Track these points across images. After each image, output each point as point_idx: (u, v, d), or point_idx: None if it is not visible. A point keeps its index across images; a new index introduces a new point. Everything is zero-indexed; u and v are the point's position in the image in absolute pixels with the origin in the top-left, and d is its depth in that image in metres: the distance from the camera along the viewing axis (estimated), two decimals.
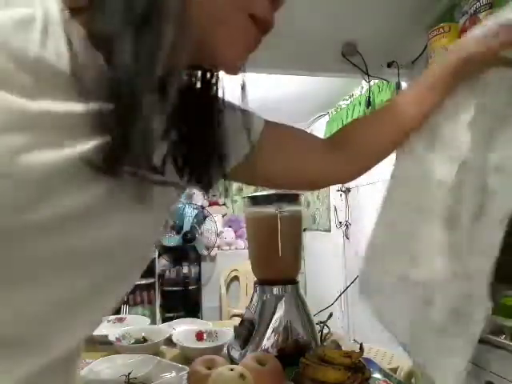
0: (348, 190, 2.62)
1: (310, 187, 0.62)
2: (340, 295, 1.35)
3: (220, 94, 0.43)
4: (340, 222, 2.71)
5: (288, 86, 2.45)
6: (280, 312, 0.78)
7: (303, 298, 0.84)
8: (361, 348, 0.71)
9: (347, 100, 2.48)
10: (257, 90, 2.34)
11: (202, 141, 0.40)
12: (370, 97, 1.93)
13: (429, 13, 1.41)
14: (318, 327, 0.91)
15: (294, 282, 0.83)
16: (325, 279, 2.92)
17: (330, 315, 0.99)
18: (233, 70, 0.38)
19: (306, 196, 3.35)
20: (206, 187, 0.43)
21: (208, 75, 0.42)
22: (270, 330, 0.77)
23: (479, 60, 0.49)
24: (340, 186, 2.64)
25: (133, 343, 0.90)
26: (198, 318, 2.45)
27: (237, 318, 1.45)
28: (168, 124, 0.36)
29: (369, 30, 1.56)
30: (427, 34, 1.45)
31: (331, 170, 0.56)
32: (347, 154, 0.55)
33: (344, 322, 2.55)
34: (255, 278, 0.87)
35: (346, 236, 2.63)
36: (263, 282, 0.83)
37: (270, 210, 0.82)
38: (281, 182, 0.57)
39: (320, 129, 2.92)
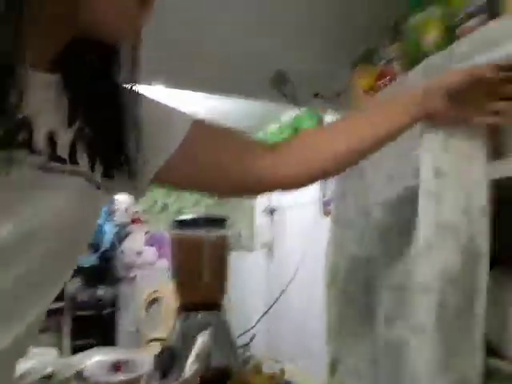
0: (273, 211, 2.69)
1: (246, 190, 0.58)
2: (261, 317, 1.36)
3: (123, 81, 0.43)
4: (264, 243, 2.76)
5: (216, 106, 2.46)
6: (203, 338, 0.77)
7: (227, 323, 0.83)
8: (282, 372, 0.72)
9: (276, 125, 2.58)
10: (181, 105, 2.31)
11: (106, 130, 0.40)
12: (297, 126, 2.03)
13: (352, 51, 1.53)
14: (241, 350, 0.90)
15: (219, 308, 0.82)
16: (249, 299, 2.93)
17: (252, 337, 0.99)
18: (113, 36, 0.39)
19: (229, 215, 3.37)
20: (124, 187, 0.44)
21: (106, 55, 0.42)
22: (192, 358, 0.74)
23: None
24: (266, 206, 2.71)
25: (40, 379, 0.81)
26: (114, 344, 2.28)
27: (156, 342, 1.38)
28: (71, 110, 0.37)
29: (299, 62, 1.65)
30: (350, 70, 1.59)
31: (269, 173, 0.53)
32: (292, 157, 0.54)
33: (267, 341, 2.57)
34: (178, 301, 0.84)
35: (270, 256, 2.68)
36: (187, 308, 0.80)
37: (197, 233, 0.80)
38: (212, 185, 0.54)
39: None
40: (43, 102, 0.36)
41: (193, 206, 3.35)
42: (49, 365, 0.85)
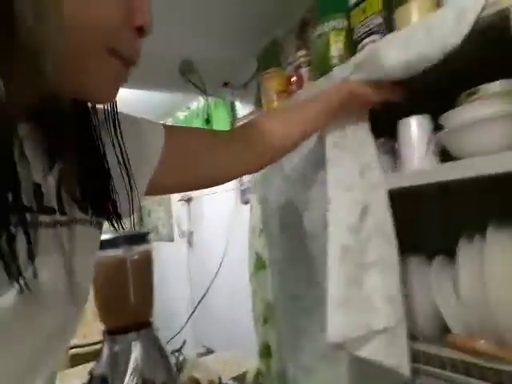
0: (190, 200, 2.66)
1: (224, 181, 0.63)
2: (190, 317, 1.36)
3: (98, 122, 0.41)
4: (183, 231, 2.73)
5: (124, 91, 2.31)
6: (135, 361, 0.75)
7: (158, 340, 0.82)
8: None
9: (185, 111, 2.52)
10: None
11: (89, 171, 0.39)
12: (208, 114, 2.01)
13: (257, 41, 1.55)
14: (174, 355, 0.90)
15: (149, 326, 0.80)
16: (171, 291, 2.90)
17: (184, 343, 0.99)
18: (100, 101, 0.38)
19: (147, 205, 3.26)
20: (115, 219, 0.42)
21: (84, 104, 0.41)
22: (126, 382, 0.73)
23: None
24: (182, 195, 2.67)
25: None
26: None
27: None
28: (51, 157, 0.36)
29: (205, 51, 1.62)
30: (257, 61, 1.60)
31: (241, 162, 0.62)
32: (255, 146, 0.62)
33: (193, 332, 2.60)
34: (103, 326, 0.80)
35: (190, 244, 2.67)
36: (113, 332, 0.77)
37: (118, 253, 0.77)
38: (194, 184, 0.60)
39: None
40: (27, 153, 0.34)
41: None
42: None
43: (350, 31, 0.78)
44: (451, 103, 0.64)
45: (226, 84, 1.83)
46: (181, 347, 0.98)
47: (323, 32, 0.81)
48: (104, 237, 0.83)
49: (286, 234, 0.94)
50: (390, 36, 0.65)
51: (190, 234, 2.64)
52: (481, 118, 0.56)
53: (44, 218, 0.33)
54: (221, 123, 2.00)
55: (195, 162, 0.54)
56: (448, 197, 0.69)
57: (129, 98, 2.38)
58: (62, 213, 0.36)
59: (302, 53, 0.91)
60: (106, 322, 0.80)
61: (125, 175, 0.41)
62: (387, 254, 0.68)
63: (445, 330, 0.66)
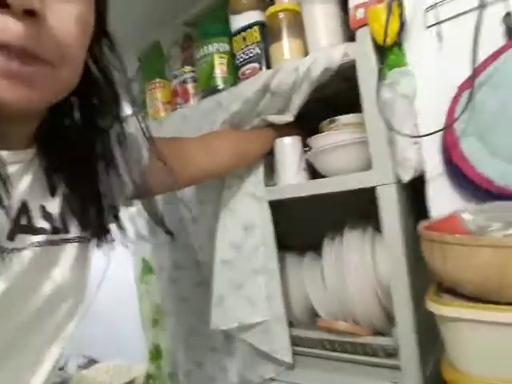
0: None
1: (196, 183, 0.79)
2: None
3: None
4: None
5: None
6: None
7: None
8: None
9: None
10: None
11: (89, 194, 0.41)
12: None
13: (139, 44, 1.52)
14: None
15: None
16: None
17: (69, 359, 0.96)
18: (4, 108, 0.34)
19: None
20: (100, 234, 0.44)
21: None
22: None
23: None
24: None
25: None
26: None
27: None
28: (50, 179, 0.38)
29: None
30: (138, 61, 1.57)
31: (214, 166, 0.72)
32: (225, 154, 0.73)
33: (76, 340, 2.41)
34: None
35: None
36: None
37: None
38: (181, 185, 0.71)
39: None
40: (29, 180, 0.36)
41: None
42: None
43: (232, 55, 0.85)
44: (317, 128, 0.78)
45: None
46: (66, 364, 0.95)
47: (208, 53, 0.86)
48: None
49: (174, 243, 0.98)
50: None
51: None
52: (336, 144, 0.70)
53: (37, 238, 0.36)
54: None
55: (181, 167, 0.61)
56: (316, 204, 0.82)
57: None
58: (56, 232, 0.38)
59: (187, 68, 0.94)
60: None
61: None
62: (269, 262, 0.79)
63: (316, 315, 0.79)
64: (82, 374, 1.36)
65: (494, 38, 0.52)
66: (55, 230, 0.38)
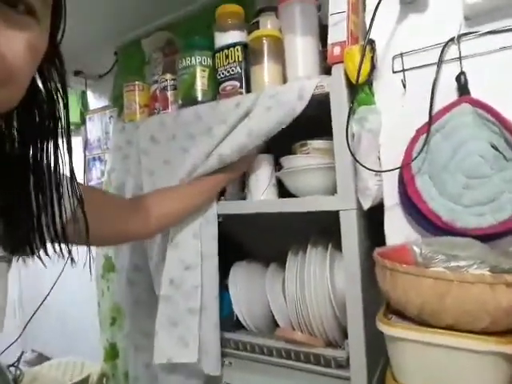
0: None
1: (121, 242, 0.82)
2: (24, 329, 1.26)
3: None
4: None
5: None
6: None
7: None
8: None
9: None
10: None
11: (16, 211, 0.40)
12: None
13: (117, 38, 1.51)
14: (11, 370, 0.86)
15: None
16: None
17: (21, 354, 0.95)
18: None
19: None
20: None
21: None
22: None
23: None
24: None
25: None
26: None
27: None
28: None
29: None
30: (116, 56, 1.56)
31: (135, 228, 0.71)
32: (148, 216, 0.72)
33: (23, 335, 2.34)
34: None
35: None
36: None
37: None
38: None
39: None
40: None
41: None
42: None
43: (213, 70, 0.88)
44: (289, 148, 0.82)
45: (77, 73, 1.71)
46: (18, 360, 0.94)
47: (191, 64, 0.89)
48: None
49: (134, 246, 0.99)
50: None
51: None
52: (305, 167, 0.75)
53: None
54: (70, 113, 1.84)
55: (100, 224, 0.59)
56: (282, 218, 0.87)
57: None
58: None
59: (169, 76, 0.96)
60: None
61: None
62: (208, 301, 0.82)
63: (276, 324, 0.84)
64: (33, 370, 1.34)
65: (449, 91, 0.59)
66: None
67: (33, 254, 0.42)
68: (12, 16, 0.31)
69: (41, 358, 2.09)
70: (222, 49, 0.85)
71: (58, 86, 0.42)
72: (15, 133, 0.41)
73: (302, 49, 0.75)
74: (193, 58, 0.89)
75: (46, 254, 0.44)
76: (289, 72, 0.77)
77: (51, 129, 0.42)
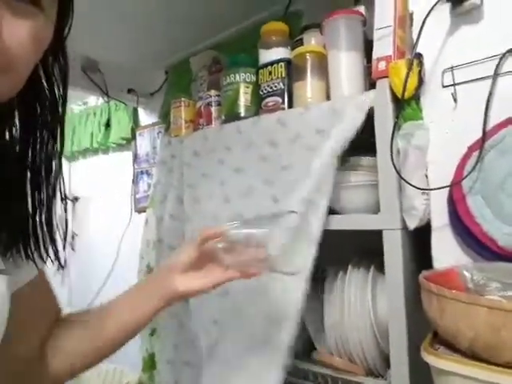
0: (76, 199, 2.51)
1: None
2: None
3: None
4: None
5: None
6: None
7: None
8: None
9: (80, 106, 2.37)
10: None
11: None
12: (109, 117, 1.95)
13: (168, 58, 1.58)
14: None
15: None
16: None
17: None
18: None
19: None
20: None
21: None
22: None
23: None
24: (68, 194, 2.49)
25: None
26: None
27: None
28: None
29: (112, 55, 1.58)
30: (166, 75, 1.63)
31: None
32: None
33: None
34: None
35: (72, 248, 2.51)
36: None
37: None
38: None
39: None
40: None
41: None
42: None
43: (256, 86, 0.89)
44: None
45: (130, 91, 1.80)
46: None
47: (234, 81, 0.90)
48: None
49: None
50: None
51: (74, 235, 2.48)
52: (349, 184, 0.73)
53: None
54: (121, 127, 1.95)
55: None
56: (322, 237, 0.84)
57: None
58: None
59: (213, 92, 0.99)
60: None
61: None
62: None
63: (314, 347, 0.81)
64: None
65: (504, 106, 0.55)
66: None
67: (26, 255, 0.40)
68: (16, 5, 0.31)
69: None
70: (265, 65, 0.86)
71: (59, 80, 0.41)
72: (16, 122, 0.40)
73: (346, 64, 0.74)
74: (237, 75, 0.91)
75: (41, 256, 0.41)
76: (332, 88, 0.76)
77: (49, 122, 0.41)
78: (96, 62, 1.68)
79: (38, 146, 0.40)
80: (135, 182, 1.93)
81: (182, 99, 1.08)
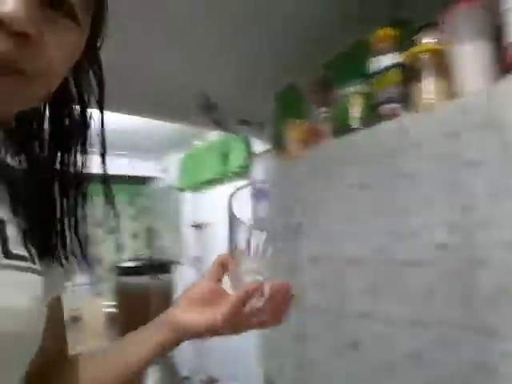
0: (201, 225, 2.73)
1: None
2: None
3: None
4: (192, 257, 2.78)
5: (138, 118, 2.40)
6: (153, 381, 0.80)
7: (175, 366, 0.87)
8: None
9: (201, 141, 2.62)
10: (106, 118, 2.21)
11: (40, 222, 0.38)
12: (227, 148, 2.11)
13: (278, 84, 1.65)
14: None
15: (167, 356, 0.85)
16: None
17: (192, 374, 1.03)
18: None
19: (156, 228, 3.31)
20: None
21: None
22: None
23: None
24: (193, 220, 2.74)
25: None
26: None
27: None
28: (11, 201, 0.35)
29: (225, 89, 1.72)
30: (276, 101, 1.70)
31: None
32: None
33: (195, 359, 2.60)
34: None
35: (198, 269, 2.71)
36: None
37: (142, 281, 0.83)
38: None
39: (173, 162, 2.98)
40: None
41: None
42: None
43: (369, 95, 0.86)
44: None
45: (242, 122, 1.93)
46: (189, 376, 1.03)
47: (345, 94, 0.89)
48: (129, 264, 0.90)
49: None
50: None
51: (199, 259, 2.68)
52: None
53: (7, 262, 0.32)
54: (238, 157, 2.09)
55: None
56: None
57: (143, 121, 2.48)
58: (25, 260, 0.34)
59: (324, 109, 0.99)
60: None
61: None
62: None
63: None
64: None
65: None
66: (9, 255, 0.33)
67: (55, 259, 0.40)
68: (54, 18, 0.31)
69: (213, 382, 2.26)
70: (378, 72, 0.83)
71: (95, 90, 0.41)
72: (46, 136, 0.40)
73: (472, 57, 0.67)
74: (347, 88, 0.90)
75: (66, 259, 0.40)
76: (458, 85, 0.69)
77: (80, 133, 0.41)
78: (209, 97, 1.83)
79: (68, 158, 0.40)
80: (253, 208, 2.02)
81: (293, 121, 1.10)
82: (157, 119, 2.11)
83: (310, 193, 0.97)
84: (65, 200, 0.40)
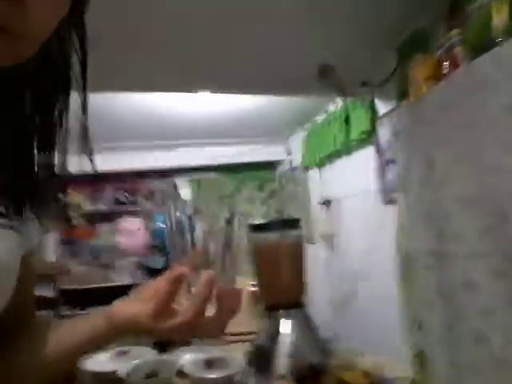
0: (329, 202, 2.69)
1: None
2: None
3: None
4: (324, 235, 2.76)
5: (261, 100, 2.47)
6: (291, 337, 0.81)
7: (310, 319, 0.86)
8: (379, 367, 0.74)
9: (322, 116, 2.57)
10: (229, 105, 2.39)
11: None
12: (347, 115, 2.02)
13: (399, 36, 1.49)
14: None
15: (301, 306, 0.85)
16: (312, 291, 2.95)
17: (336, 333, 1.01)
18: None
19: (285, 208, 3.39)
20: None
21: None
22: (282, 356, 0.79)
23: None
24: (321, 197, 2.71)
25: (143, 378, 0.89)
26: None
27: (235, 337, 1.45)
28: None
29: (342, 52, 1.64)
30: (397, 55, 1.55)
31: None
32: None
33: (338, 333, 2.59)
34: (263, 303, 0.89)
35: (330, 248, 2.68)
36: (271, 308, 0.85)
37: (273, 236, 0.85)
38: None
39: (297, 143, 3.00)
40: None
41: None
42: (151, 363, 0.94)
43: None
44: None
45: (364, 83, 1.81)
46: (332, 336, 1.01)
47: (483, 3, 0.75)
48: (259, 222, 0.93)
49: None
50: None
51: (331, 236, 2.64)
52: None
53: None
54: (360, 123, 1.98)
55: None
56: None
57: (265, 105, 2.55)
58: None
59: (454, 32, 0.85)
60: (265, 299, 0.89)
61: None
62: None
63: None
64: (360, 351, 1.39)
65: None
66: None
67: (32, 213, 0.39)
68: None
69: None
70: None
71: (77, 46, 0.40)
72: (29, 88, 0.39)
73: None
74: None
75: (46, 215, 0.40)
76: None
77: (62, 86, 0.40)
78: (329, 65, 1.77)
79: (50, 109, 0.39)
80: (380, 174, 1.89)
81: (419, 56, 0.98)
82: (279, 95, 2.14)
83: (447, 130, 0.85)
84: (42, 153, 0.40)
